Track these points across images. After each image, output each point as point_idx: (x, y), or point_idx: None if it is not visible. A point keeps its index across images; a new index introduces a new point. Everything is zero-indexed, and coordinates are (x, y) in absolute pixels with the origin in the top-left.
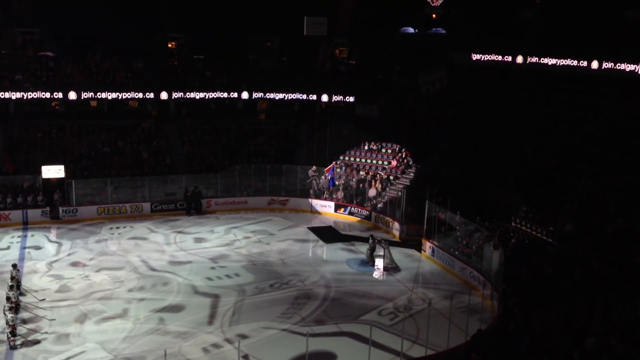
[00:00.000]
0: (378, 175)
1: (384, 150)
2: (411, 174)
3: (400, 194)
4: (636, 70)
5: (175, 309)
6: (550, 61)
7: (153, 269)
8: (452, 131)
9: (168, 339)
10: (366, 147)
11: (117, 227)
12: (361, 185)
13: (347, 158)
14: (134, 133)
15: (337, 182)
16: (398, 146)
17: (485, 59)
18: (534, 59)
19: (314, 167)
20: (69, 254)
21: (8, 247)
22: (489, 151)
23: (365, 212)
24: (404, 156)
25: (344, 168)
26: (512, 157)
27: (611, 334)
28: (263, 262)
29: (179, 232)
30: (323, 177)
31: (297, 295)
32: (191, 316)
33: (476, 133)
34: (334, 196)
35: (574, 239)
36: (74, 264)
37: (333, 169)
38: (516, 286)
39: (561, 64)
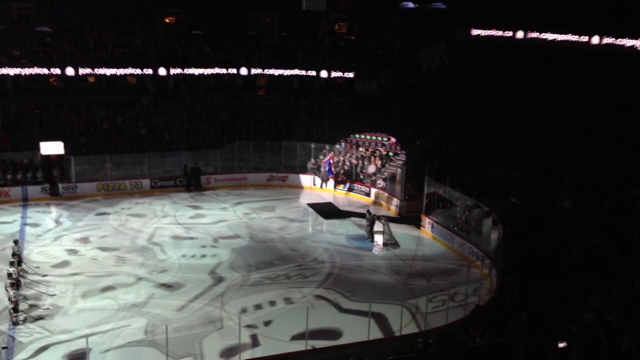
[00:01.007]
0: (377, 151)
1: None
2: (399, 161)
3: (399, 170)
4: (636, 46)
5: (176, 285)
6: (551, 36)
7: (154, 245)
8: (452, 107)
9: (170, 314)
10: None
11: (117, 204)
12: (360, 162)
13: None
14: (133, 109)
15: (334, 170)
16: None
17: (485, 34)
18: (535, 34)
19: (312, 159)
20: (70, 231)
21: (8, 224)
22: (489, 127)
23: (364, 189)
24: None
25: (343, 144)
26: (512, 133)
27: (609, 310)
28: (263, 238)
29: (179, 208)
30: (322, 168)
31: (297, 271)
32: (193, 292)
33: (476, 109)
34: (335, 188)
35: (573, 215)
36: (75, 240)
37: (329, 163)
38: (515, 262)
39: (561, 39)
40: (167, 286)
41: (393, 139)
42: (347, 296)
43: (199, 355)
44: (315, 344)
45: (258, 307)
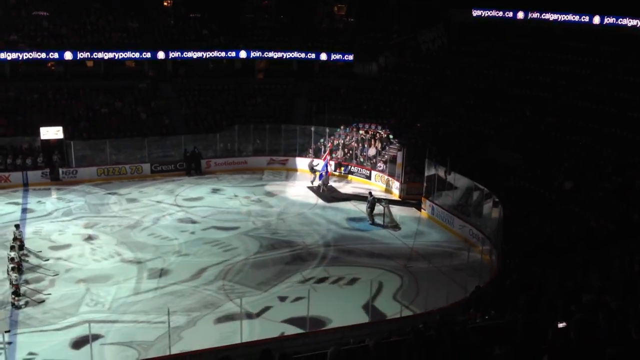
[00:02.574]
0: (377, 134)
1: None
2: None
3: (400, 153)
4: (638, 25)
5: (177, 268)
6: (552, 16)
7: (155, 230)
8: (452, 90)
9: (171, 298)
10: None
11: (118, 188)
12: (360, 145)
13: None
14: (132, 94)
15: (329, 168)
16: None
17: (486, 15)
18: (535, 14)
19: (313, 158)
20: (70, 215)
21: (10, 211)
22: (489, 110)
23: (365, 172)
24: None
25: (342, 127)
26: (512, 115)
27: (607, 292)
28: (264, 221)
29: (179, 193)
30: (322, 170)
31: (298, 254)
32: (193, 276)
33: (476, 92)
34: (336, 171)
35: (573, 196)
36: (75, 225)
37: (326, 164)
38: (515, 243)
39: (562, 19)
40: (168, 270)
41: (392, 122)
42: (344, 279)
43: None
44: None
45: (258, 289)
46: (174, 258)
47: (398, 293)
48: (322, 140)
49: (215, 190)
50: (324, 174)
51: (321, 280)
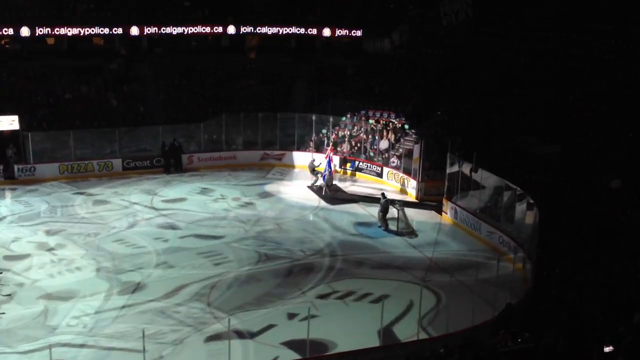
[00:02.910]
0: (390, 123)
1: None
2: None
3: (416, 146)
4: None
5: (155, 283)
6: None
7: (128, 237)
8: (478, 71)
9: (148, 317)
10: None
11: (84, 188)
12: (370, 136)
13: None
14: (100, 76)
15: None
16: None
17: None
18: None
19: (313, 157)
20: (27, 220)
21: None
22: (521, 95)
23: (375, 168)
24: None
25: (348, 115)
26: (549, 101)
27: None
28: (256, 228)
29: (157, 193)
30: (327, 172)
31: (296, 266)
32: (174, 291)
33: (506, 73)
34: (342, 167)
35: (621, 197)
36: (35, 232)
37: (329, 162)
38: (553, 252)
39: None
40: (144, 285)
41: (408, 109)
42: (353, 294)
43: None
44: (317, 351)
45: (249, 307)
46: (151, 270)
47: (414, 312)
48: (324, 131)
49: (198, 191)
50: (326, 174)
51: (324, 296)
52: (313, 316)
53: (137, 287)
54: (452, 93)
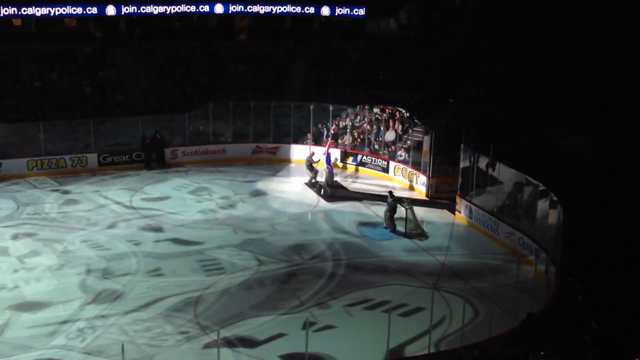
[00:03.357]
0: (398, 113)
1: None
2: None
3: (427, 137)
4: None
5: (135, 291)
6: None
7: (105, 240)
8: (495, 54)
9: (128, 330)
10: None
11: (55, 186)
12: (374, 127)
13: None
14: (73, 62)
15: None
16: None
17: None
18: None
19: (312, 150)
20: None
21: None
22: (543, 80)
23: (381, 162)
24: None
25: (349, 111)
26: (574, 87)
27: None
28: (248, 229)
29: (137, 191)
30: (326, 169)
31: (293, 272)
32: (157, 300)
33: (527, 55)
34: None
35: None
36: (0, 235)
37: (328, 157)
38: (579, 255)
39: None
40: (123, 294)
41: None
42: (356, 304)
43: None
44: None
45: (241, 319)
46: (130, 278)
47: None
48: (324, 121)
49: (183, 189)
50: (326, 171)
51: (324, 305)
52: (312, 323)
53: (116, 297)
54: (466, 78)
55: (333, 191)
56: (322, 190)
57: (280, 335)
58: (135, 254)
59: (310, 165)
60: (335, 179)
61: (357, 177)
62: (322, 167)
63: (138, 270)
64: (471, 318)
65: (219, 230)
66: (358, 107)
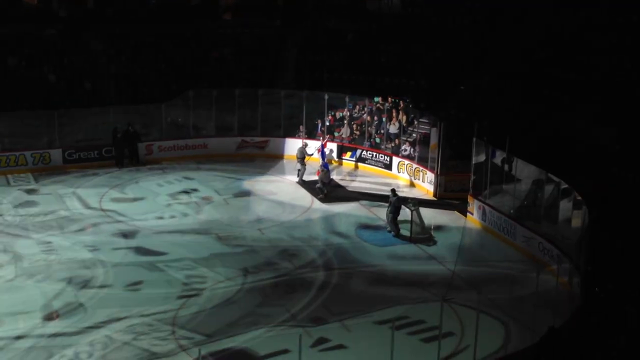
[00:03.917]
0: (402, 102)
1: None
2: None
3: (434, 130)
4: None
5: (103, 304)
6: None
7: (68, 247)
8: (513, 35)
9: (93, 349)
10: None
11: (13, 187)
12: (376, 118)
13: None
14: (35, 46)
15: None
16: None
17: None
18: None
19: (304, 140)
20: None
21: None
22: (564, 65)
23: (383, 158)
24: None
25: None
26: (598, 72)
27: None
28: (232, 234)
29: (107, 192)
30: (320, 167)
31: (283, 282)
32: (130, 316)
33: (546, 38)
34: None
35: None
36: None
37: (324, 154)
38: (607, 262)
39: None
40: (90, 309)
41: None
42: (355, 318)
43: None
44: None
45: (226, 334)
46: (97, 291)
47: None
48: (319, 112)
49: (159, 188)
50: (321, 169)
51: (318, 320)
52: (307, 339)
53: (79, 310)
54: (480, 62)
55: (330, 191)
56: (317, 190)
57: (267, 353)
58: (103, 263)
59: (303, 158)
60: (331, 177)
61: (356, 175)
62: (315, 163)
63: (106, 281)
64: (485, 333)
65: (199, 235)
66: (356, 94)
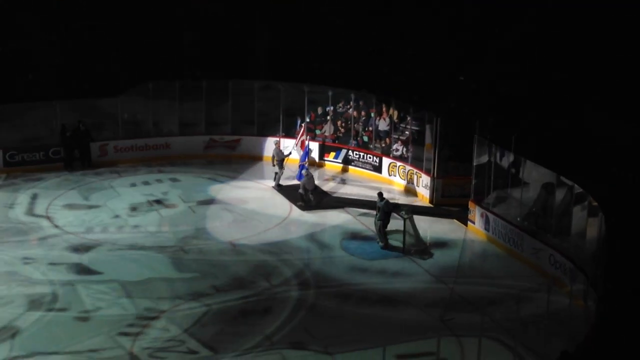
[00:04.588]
0: (392, 97)
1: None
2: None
3: (429, 127)
4: None
5: (48, 329)
6: None
7: (8, 263)
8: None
9: None
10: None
11: None
12: (363, 113)
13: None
14: None
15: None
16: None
17: None
18: None
19: (279, 142)
20: None
21: None
22: (580, 53)
23: (371, 159)
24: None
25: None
26: (616, 61)
27: None
28: (199, 248)
29: (56, 199)
30: (304, 172)
31: (258, 302)
32: (78, 341)
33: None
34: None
35: None
36: None
37: (307, 150)
38: (627, 278)
39: None
40: (27, 332)
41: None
42: (340, 343)
43: None
44: None
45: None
46: (42, 314)
47: None
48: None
49: (115, 194)
50: (304, 172)
51: (297, 345)
52: None
53: (17, 335)
54: (482, 48)
55: (317, 199)
56: (299, 196)
57: None
58: (51, 282)
59: (282, 161)
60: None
61: (340, 179)
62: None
63: (52, 303)
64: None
65: (161, 249)
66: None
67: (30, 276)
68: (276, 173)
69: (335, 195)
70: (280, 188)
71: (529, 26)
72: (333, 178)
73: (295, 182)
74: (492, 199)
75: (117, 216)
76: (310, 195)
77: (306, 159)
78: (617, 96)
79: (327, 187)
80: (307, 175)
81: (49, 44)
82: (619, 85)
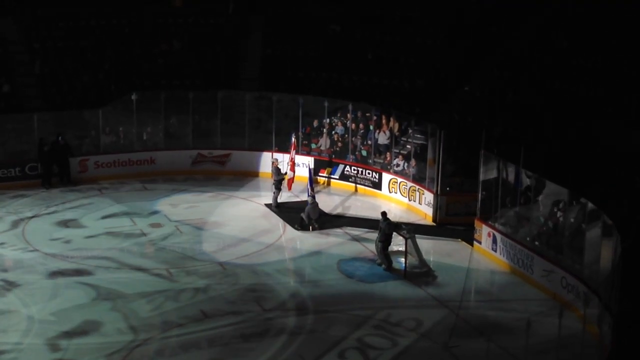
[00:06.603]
0: (392, 108)
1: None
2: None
3: (432, 140)
4: None
5: (29, 357)
6: None
7: None
8: (528, 21)
9: None
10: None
11: None
12: (362, 126)
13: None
14: None
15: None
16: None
17: None
18: None
19: (274, 157)
20: None
21: None
22: (595, 61)
23: (370, 175)
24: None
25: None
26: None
27: None
28: (186, 270)
29: (31, 218)
30: (309, 199)
31: (250, 327)
32: None
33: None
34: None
35: None
36: None
37: (311, 177)
38: None
39: None
40: None
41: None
42: None
43: None
44: None
45: None
46: (20, 339)
47: None
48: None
49: (96, 215)
50: (309, 199)
51: None
52: None
53: None
54: (488, 55)
55: (321, 225)
56: (300, 223)
57: None
58: (28, 306)
59: (280, 181)
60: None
61: (338, 196)
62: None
63: (32, 328)
64: None
65: (148, 272)
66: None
67: (40, 303)
68: (274, 192)
69: (332, 213)
70: (278, 208)
71: (535, 32)
72: (329, 195)
73: (297, 199)
74: (500, 217)
75: (97, 236)
76: (315, 224)
77: (311, 183)
78: (629, 105)
79: (323, 205)
80: (312, 203)
81: (27, 52)
82: (631, 93)
